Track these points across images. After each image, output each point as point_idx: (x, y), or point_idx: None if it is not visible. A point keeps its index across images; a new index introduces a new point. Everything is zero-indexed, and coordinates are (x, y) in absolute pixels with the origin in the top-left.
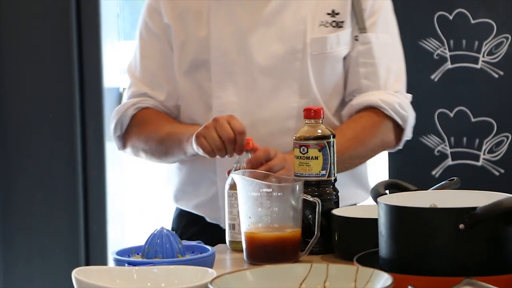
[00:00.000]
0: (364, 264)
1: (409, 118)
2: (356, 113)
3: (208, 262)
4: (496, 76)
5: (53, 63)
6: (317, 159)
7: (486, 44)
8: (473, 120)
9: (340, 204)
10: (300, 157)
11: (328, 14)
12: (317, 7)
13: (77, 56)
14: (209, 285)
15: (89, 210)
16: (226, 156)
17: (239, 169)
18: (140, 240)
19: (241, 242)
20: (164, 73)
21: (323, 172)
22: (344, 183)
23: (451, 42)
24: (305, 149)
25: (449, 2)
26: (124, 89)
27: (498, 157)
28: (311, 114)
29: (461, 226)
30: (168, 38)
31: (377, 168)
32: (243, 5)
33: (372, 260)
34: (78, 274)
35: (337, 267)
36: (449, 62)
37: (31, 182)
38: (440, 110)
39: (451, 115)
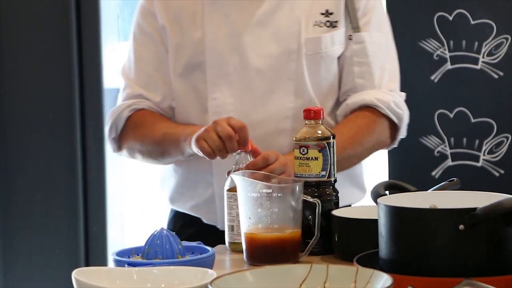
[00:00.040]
0: (364, 265)
1: (404, 116)
2: (352, 113)
3: (208, 263)
4: (496, 76)
5: (53, 63)
6: (317, 160)
7: (486, 45)
8: (473, 120)
9: None
10: (300, 158)
11: (322, 14)
12: (311, 7)
13: (77, 56)
14: (209, 286)
15: (89, 211)
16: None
17: (239, 170)
18: (140, 240)
19: (240, 243)
20: (159, 75)
21: (323, 172)
22: (339, 183)
23: (451, 42)
24: (305, 150)
25: (449, 2)
26: None
27: (498, 157)
28: (311, 114)
29: (461, 226)
30: (162, 40)
31: (377, 169)
32: (237, 6)
33: (372, 261)
34: (78, 274)
35: (337, 267)
36: (449, 63)
37: (31, 182)
38: (440, 110)
39: (451, 115)
